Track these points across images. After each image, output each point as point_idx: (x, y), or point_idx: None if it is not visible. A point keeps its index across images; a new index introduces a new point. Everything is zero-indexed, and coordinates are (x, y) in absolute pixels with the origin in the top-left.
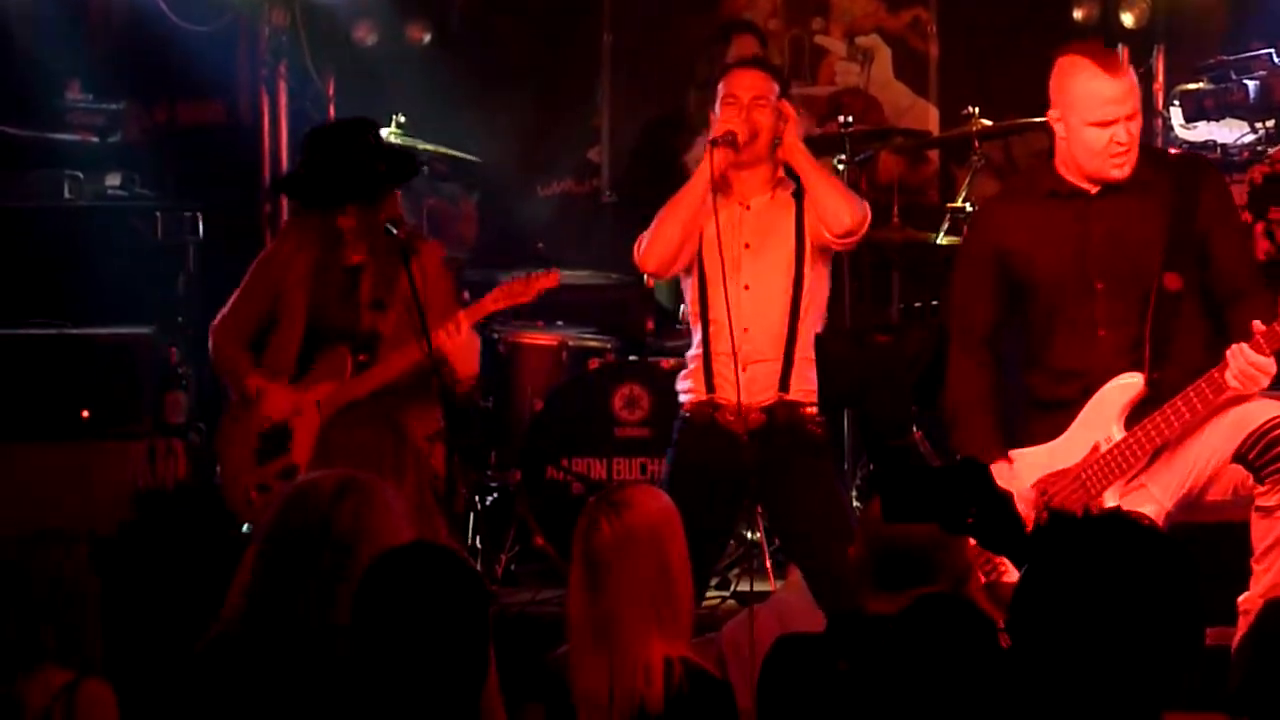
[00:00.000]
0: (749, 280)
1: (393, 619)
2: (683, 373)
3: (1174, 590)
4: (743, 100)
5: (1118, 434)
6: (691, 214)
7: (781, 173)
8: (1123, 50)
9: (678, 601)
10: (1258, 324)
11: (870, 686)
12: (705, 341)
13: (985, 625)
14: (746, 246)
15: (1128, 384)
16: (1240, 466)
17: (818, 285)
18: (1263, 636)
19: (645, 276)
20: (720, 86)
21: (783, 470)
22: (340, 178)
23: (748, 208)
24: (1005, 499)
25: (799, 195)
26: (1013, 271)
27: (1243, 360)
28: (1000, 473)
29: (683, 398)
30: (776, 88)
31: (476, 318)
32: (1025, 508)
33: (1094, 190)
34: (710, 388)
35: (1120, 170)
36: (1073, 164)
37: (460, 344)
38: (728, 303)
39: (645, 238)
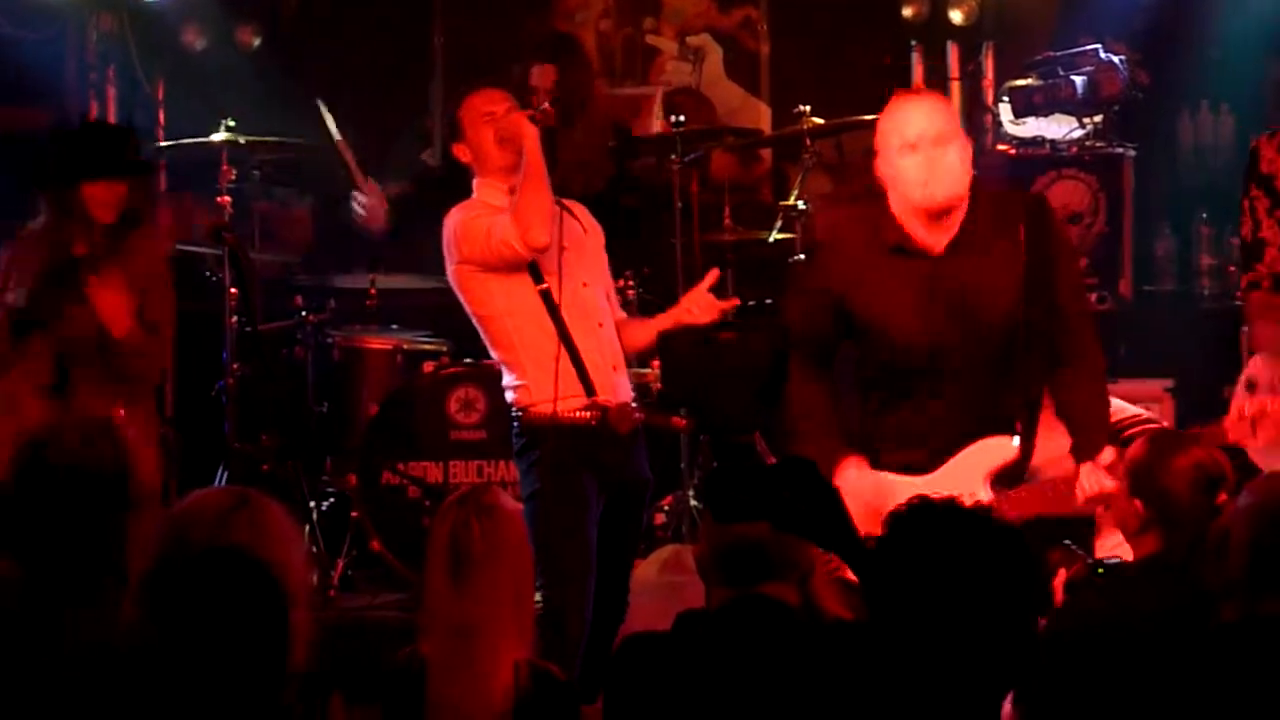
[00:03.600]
0: (585, 279)
1: (187, 625)
2: (524, 380)
3: (1012, 576)
4: (499, 111)
5: (984, 495)
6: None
7: None
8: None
9: (528, 605)
10: (1110, 454)
11: (715, 683)
12: (569, 342)
13: (801, 623)
14: (565, 249)
15: (1000, 446)
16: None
17: None
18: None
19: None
20: (465, 114)
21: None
22: (91, 146)
23: None
24: (833, 495)
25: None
26: (854, 320)
27: (1094, 484)
28: (848, 474)
29: (557, 406)
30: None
31: None
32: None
33: (939, 250)
34: (590, 390)
35: (941, 188)
36: (908, 213)
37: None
38: (579, 300)
39: (518, 220)
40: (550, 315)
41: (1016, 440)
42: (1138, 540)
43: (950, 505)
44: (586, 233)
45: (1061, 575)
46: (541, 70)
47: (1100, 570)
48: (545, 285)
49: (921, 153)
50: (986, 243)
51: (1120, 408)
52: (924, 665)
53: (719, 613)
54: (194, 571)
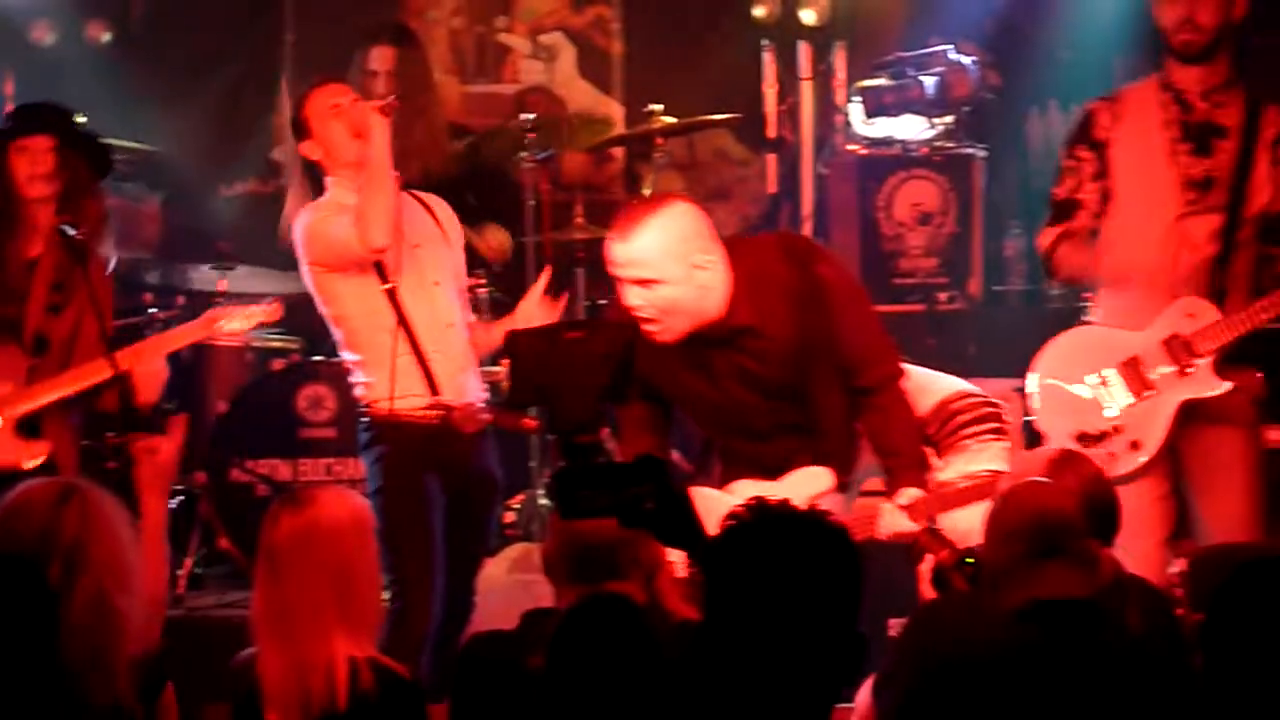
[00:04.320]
0: (436, 278)
1: None
2: (369, 377)
3: (842, 576)
4: (345, 103)
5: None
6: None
7: None
8: (659, 211)
9: (362, 602)
10: (912, 494)
11: (561, 682)
12: (414, 341)
13: (647, 622)
14: (416, 246)
15: (817, 477)
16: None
17: None
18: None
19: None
20: (310, 111)
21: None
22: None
23: None
24: (681, 494)
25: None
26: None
27: (891, 524)
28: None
29: (399, 404)
30: None
31: (177, 345)
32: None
33: (708, 339)
34: (434, 389)
35: (653, 337)
36: None
37: (152, 370)
38: (429, 299)
39: (359, 221)
40: (395, 314)
41: (830, 475)
42: None
43: (785, 506)
44: (444, 230)
45: (929, 561)
46: (381, 53)
47: (969, 560)
48: (390, 285)
49: (631, 291)
50: (755, 326)
51: (960, 389)
52: (757, 663)
53: (566, 611)
54: None
